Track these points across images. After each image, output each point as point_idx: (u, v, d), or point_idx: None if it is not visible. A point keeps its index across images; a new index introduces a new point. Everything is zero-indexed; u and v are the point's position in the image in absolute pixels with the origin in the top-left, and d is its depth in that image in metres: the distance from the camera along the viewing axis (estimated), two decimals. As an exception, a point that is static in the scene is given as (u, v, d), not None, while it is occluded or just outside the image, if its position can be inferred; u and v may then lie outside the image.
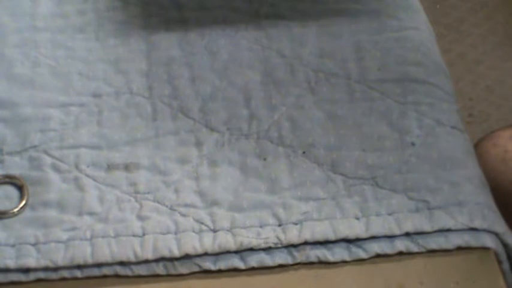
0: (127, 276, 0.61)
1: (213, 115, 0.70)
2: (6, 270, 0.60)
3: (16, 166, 0.66)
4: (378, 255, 0.62)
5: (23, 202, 0.64)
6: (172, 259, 0.61)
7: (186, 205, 0.64)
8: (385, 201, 0.64)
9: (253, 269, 0.62)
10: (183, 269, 0.61)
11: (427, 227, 0.63)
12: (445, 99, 0.72)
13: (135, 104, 0.71)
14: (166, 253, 0.61)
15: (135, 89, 0.72)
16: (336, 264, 0.62)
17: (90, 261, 0.60)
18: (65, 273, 0.61)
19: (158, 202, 0.64)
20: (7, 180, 0.65)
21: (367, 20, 0.79)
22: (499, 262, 0.63)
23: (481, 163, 0.70)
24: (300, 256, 0.62)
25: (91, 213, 0.63)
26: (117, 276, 0.61)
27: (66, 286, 0.61)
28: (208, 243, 0.61)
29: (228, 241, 0.61)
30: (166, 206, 0.64)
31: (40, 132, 0.68)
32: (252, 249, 0.62)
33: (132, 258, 0.61)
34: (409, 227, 0.63)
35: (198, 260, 0.61)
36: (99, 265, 0.61)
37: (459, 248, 0.63)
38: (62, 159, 0.67)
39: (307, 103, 0.71)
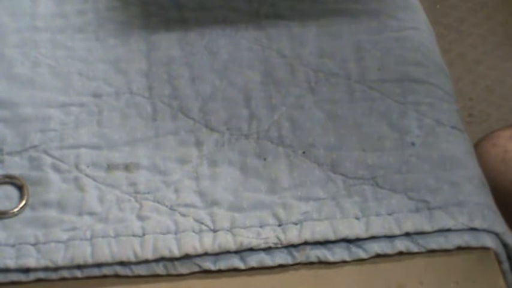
0: (127, 276, 0.61)
1: (213, 115, 0.70)
2: (6, 270, 0.60)
3: (16, 166, 0.66)
4: (378, 255, 0.62)
5: (23, 202, 0.63)
6: (172, 259, 0.61)
7: (186, 205, 0.64)
8: (385, 201, 0.64)
9: (253, 269, 0.61)
10: (183, 269, 0.61)
11: (427, 227, 0.63)
12: (445, 99, 0.72)
13: (135, 104, 0.71)
14: (166, 253, 0.61)
15: (135, 89, 0.72)
16: (336, 264, 0.62)
17: (90, 261, 0.60)
18: (65, 273, 0.61)
19: (158, 202, 0.64)
20: (7, 180, 0.65)
21: (367, 20, 0.79)
22: (499, 262, 0.63)
23: (481, 163, 0.70)
24: (300, 256, 0.62)
25: (91, 213, 0.63)
26: (117, 276, 0.61)
27: (66, 286, 0.61)
28: (208, 243, 0.61)
29: (228, 241, 0.61)
30: (166, 206, 0.64)
31: (40, 132, 0.68)
32: (252, 249, 0.62)
33: (132, 258, 0.60)
34: (409, 227, 0.63)
35: (198, 260, 0.61)
36: (99, 265, 0.61)
37: (459, 248, 0.63)
38: (62, 159, 0.67)
39: (307, 103, 0.71)
